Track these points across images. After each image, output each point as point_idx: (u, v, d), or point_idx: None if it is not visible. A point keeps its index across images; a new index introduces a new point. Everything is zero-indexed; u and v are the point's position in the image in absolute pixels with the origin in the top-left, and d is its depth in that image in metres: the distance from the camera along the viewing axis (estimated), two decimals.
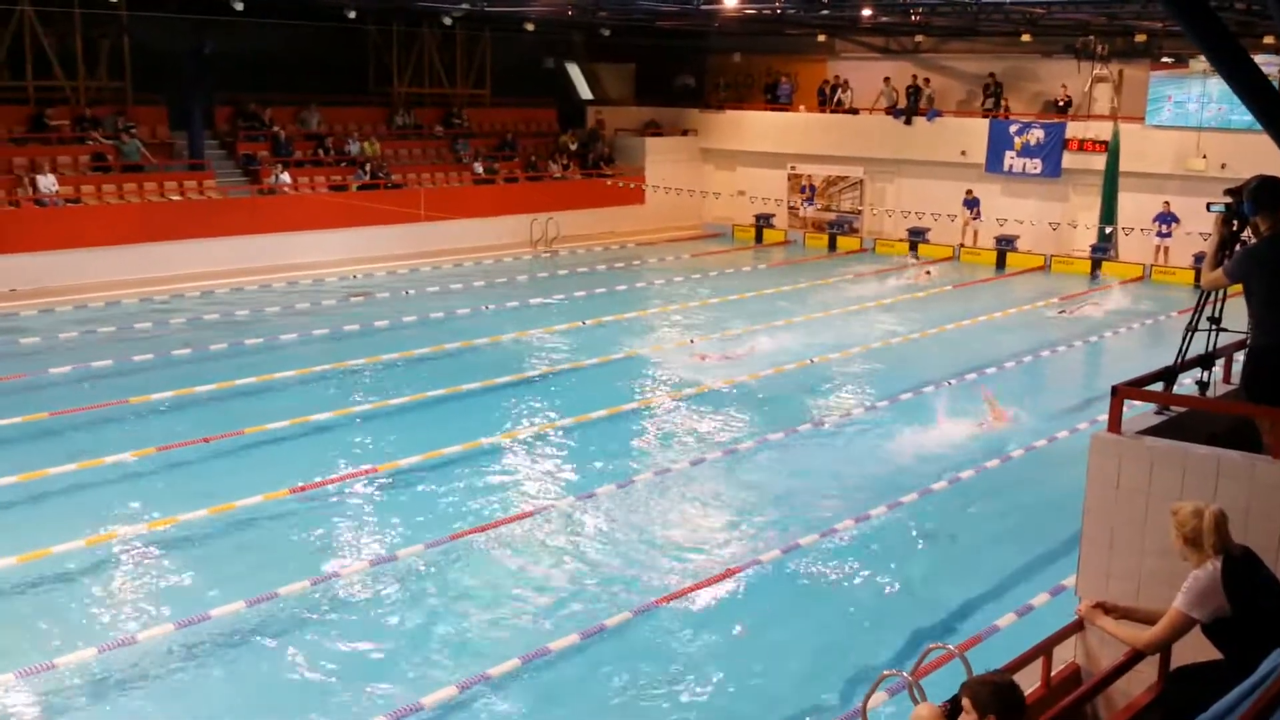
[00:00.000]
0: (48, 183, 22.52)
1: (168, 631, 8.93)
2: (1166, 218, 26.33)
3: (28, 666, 8.20)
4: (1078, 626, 6.64)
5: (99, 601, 9.58)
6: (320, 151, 27.67)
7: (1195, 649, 5.36)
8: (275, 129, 27.22)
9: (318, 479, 12.29)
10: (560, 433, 14.31)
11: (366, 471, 12.63)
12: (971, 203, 28.90)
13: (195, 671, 8.57)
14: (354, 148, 28.00)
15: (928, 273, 26.79)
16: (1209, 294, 6.99)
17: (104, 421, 14.11)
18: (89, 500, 11.65)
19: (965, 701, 4.44)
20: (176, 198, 24.37)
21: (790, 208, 32.07)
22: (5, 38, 23.56)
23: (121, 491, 11.91)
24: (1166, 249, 26.38)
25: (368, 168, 27.36)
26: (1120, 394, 6.56)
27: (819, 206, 31.84)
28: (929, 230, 29.55)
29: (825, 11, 27.34)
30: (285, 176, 25.96)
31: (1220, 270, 6.61)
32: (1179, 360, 7.05)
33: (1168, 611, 5.24)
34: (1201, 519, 5.14)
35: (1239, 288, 6.63)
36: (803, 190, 31.97)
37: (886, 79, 31.34)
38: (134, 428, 13.99)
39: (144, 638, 8.80)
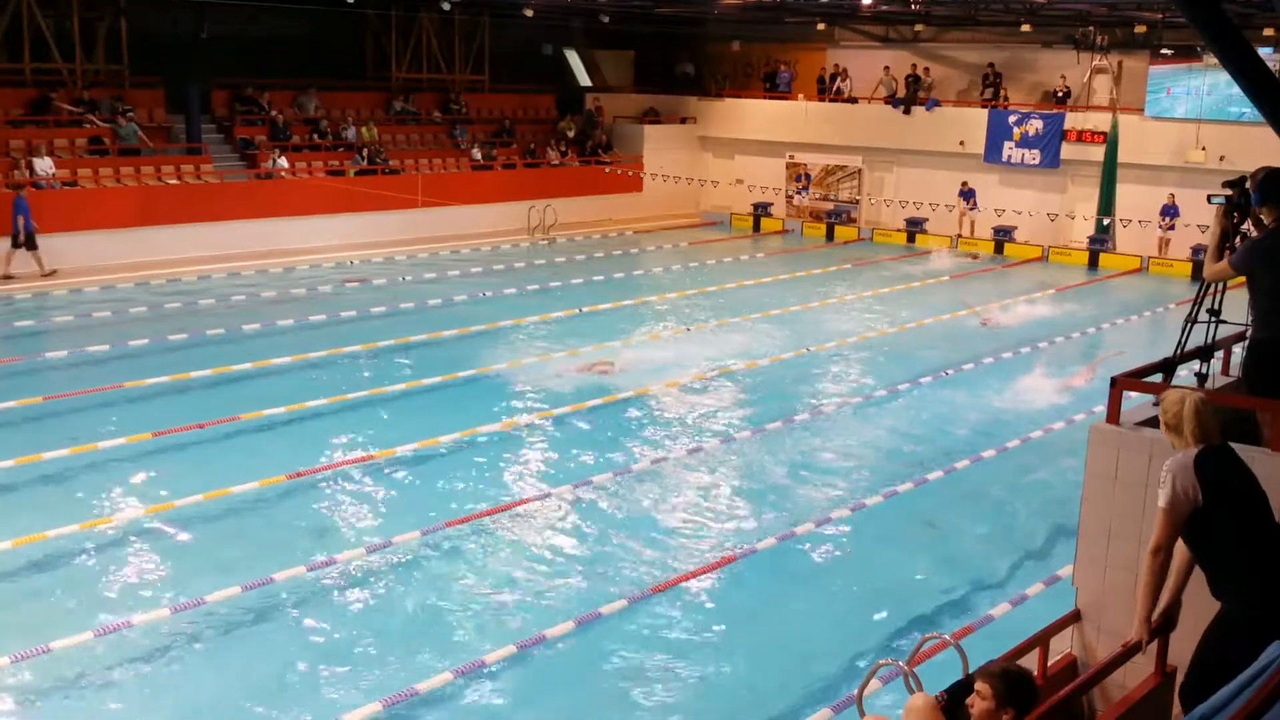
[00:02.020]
0: (44, 165, 22.43)
1: (163, 616, 8.93)
2: (1171, 210, 26.31)
3: (23, 650, 8.19)
4: (1074, 618, 6.65)
5: (94, 586, 9.56)
6: (317, 136, 27.57)
7: (1191, 647, 5.35)
8: (273, 113, 27.13)
9: (314, 465, 12.27)
10: (556, 420, 14.29)
11: (363, 458, 12.61)
12: (967, 194, 28.86)
13: (190, 656, 8.56)
14: (351, 133, 27.91)
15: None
16: (1209, 286, 6.98)
17: (99, 406, 14.08)
18: (84, 485, 11.62)
19: (983, 687, 4.38)
20: (173, 182, 24.30)
21: (787, 196, 32.02)
22: (3, 20, 23.44)
23: (117, 476, 11.88)
24: (1168, 241, 26.37)
25: (365, 153, 27.27)
26: (1119, 385, 6.56)
27: (815, 195, 31.80)
28: (927, 220, 29.52)
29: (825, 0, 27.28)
30: (282, 161, 25.87)
31: (1225, 262, 6.60)
32: (1178, 352, 7.04)
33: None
34: (1183, 405, 5.17)
35: (1240, 280, 6.62)
36: (798, 179, 31.92)
37: (886, 68, 31.28)
38: (129, 412, 13.94)
39: (139, 622, 8.80)
